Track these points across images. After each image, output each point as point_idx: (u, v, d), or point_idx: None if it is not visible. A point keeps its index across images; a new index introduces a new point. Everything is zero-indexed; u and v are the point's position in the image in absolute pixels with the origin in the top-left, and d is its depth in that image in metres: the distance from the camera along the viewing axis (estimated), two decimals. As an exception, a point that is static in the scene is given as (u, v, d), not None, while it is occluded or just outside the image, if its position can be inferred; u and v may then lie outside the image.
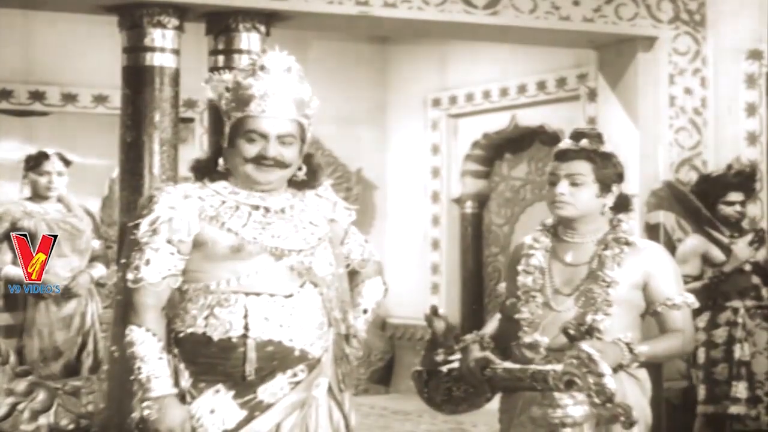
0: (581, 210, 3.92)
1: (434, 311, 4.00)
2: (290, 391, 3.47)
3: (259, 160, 3.48)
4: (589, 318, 3.84)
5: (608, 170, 3.93)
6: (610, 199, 3.96)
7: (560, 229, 4.01)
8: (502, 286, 4.23)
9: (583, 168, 3.89)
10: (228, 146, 3.52)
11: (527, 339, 3.88)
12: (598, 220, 3.97)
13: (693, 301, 3.96)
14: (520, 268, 3.98)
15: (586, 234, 3.96)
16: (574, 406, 3.65)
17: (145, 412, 3.39)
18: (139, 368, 3.39)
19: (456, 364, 4.01)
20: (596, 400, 3.59)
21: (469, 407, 4.09)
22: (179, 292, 3.49)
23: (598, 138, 3.96)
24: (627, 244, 3.93)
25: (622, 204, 4.02)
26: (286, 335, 3.46)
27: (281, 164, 3.50)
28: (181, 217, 3.45)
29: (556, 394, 3.67)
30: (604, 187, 3.93)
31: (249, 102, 3.47)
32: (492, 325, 4.14)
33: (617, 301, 3.87)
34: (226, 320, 3.44)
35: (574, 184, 3.90)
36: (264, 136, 3.47)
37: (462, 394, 4.03)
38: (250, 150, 3.48)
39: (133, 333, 3.42)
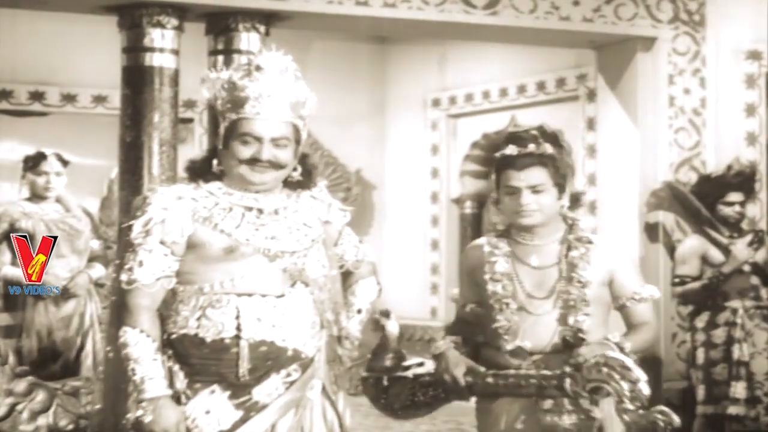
0: (547, 215, 3.94)
1: (386, 314, 3.99)
2: (285, 391, 3.47)
3: (253, 162, 3.48)
4: (571, 320, 3.86)
5: (561, 171, 3.94)
6: (566, 199, 3.99)
7: (515, 232, 4.01)
8: (455, 292, 4.22)
9: (541, 175, 3.89)
10: (222, 147, 3.51)
11: (510, 346, 3.88)
12: (557, 221, 3.99)
13: (656, 293, 4.03)
14: (486, 276, 3.96)
15: (545, 236, 3.98)
16: (590, 411, 3.66)
17: (140, 414, 3.39)
18: (133, 369, 3.39)
19: (421, 370, 4.01)
20: (629, 407, 3.58)
21: (428, 412, 4.09)
22: (171, 293, 3.49)
23: (538, 139, 3.94)
24: (590, 243, 3.96)
25: (573, 201, 4.04)
26: (279, 335, 3.46)
27: (276, 165, 3.50)
28: (174, 219, 3.45)
29: (566, 401, 3.67)
30: (561, 189, 3.95)
31: (244, 104, 3.46)
32: (453, 331, 4.14)
33: (592, 300, 3.90)
34: (218, 321, 3.44)
35: (536, 192, 3.90)
36: (258, 139, 3.47)
37: (427, 400, 4.03)
38: (244, 152, 3.47)
39: (127, 334, 3.42)
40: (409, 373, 4.01)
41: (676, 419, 3.59)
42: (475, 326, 3.98)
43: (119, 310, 3.46)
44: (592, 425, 3.75)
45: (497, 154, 3.98)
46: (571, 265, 3.92)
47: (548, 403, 3.81)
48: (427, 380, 4.01)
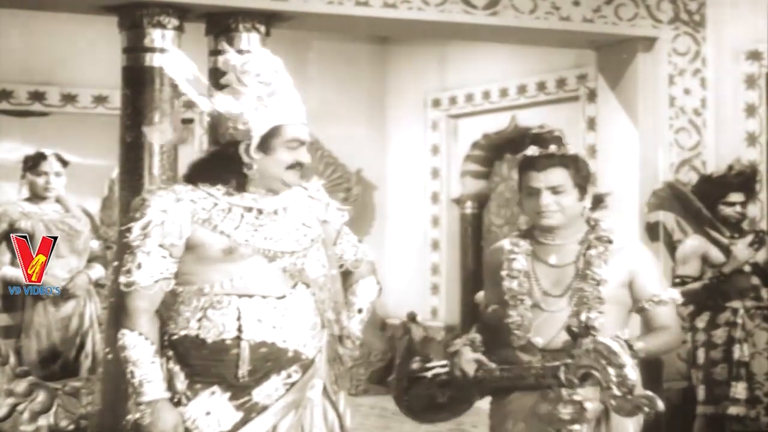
0: (568, 216, 3.94)
1: (412, 318, 4.00)
2: (285, 393, 3.48)
3: (296, 166, 3.49)
4: (583, 316, 3.86)
5: (582, 173, 3.95)
6: (588, 201, 3.99)
7: (537, 233, 4.02)
8: (480, 296, 4.22)
9: (561, 176, 3.91)
10: (261, 152, 3.47)
11: (521, 341, 3.89)
12: (578, 222, 3.99)
13: (678, 297, 4.01)
14: (503, 273, 3.98)
15: (566, 236, 3.99)
16: (583, 402, 3.65)
17: (138, 416, 3.40)
18: (131, 372, 3.40)
19: (441, 370, 4.01)
20: (616, 392, 3.57)
21: (449, 416, 4.09)
22: (172, 294, 3.49)
23: (561, 140, 3.96)
24: (609, 242, 3.95)
25: (597, 202, 4.04)
26: (280, 336, 3.47)
27: (305, 168, 3.54)
28: (173, 221, 3.45)
29: (564, 390, 3.66)
30: (582, 190, 3.95)
31: (281, 109, 3.47)
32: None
33: (607, 299, 3.89)
34: (219, 322, 3.44)
35: (556, 193, 3.91)
36: (303, 143, 3.51)
37: (445, 401, 4.03)
38: (290, 157, 3.49)
39: (126, 337, 3.42)
40: (429, 373, 4.02)
41: (660, 404, 3.57)
42: (496, 328, 3.98)
43: (118, 313, 3.46)
44: (584, 415, 3.75)
45: (519, 155, 4.00)
46: (588, 263, 3.92)
47: (556, 392, 3.81)
48: (444, 380, 4.02)
